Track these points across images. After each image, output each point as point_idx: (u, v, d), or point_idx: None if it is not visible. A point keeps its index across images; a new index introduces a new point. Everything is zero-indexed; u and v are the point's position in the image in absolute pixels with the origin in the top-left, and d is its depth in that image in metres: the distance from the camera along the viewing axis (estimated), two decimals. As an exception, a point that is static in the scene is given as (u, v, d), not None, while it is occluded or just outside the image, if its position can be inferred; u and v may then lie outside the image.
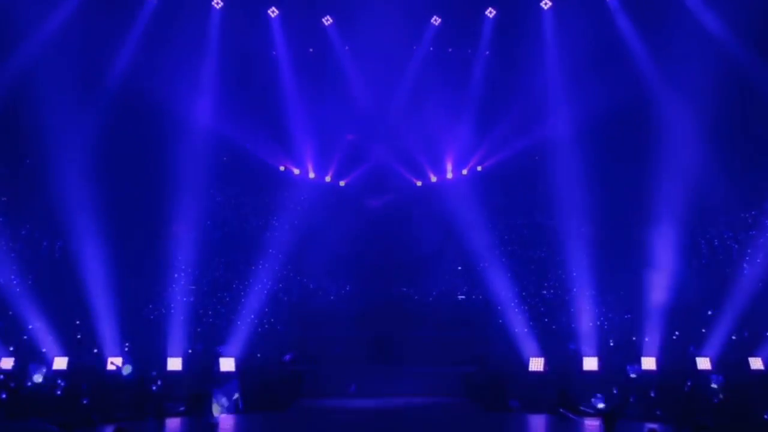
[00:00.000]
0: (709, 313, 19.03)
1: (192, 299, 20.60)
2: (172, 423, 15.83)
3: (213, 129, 21.98)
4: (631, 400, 16.53)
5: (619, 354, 18.72)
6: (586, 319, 19.36)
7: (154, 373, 17.57)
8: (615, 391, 16.79)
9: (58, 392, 16.69)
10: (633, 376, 17.64)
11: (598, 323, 19.69)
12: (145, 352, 18.40)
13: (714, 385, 16.59)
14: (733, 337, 18.42)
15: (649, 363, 17.88)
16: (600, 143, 21.35)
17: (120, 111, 21.09)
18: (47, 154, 19.28)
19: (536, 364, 18.28)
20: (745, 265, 20.21)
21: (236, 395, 16.50)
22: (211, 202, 22.25)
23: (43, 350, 18.08)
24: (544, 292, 21.80)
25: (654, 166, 19.82)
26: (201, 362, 18.45)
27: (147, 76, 21.05)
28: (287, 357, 18.93)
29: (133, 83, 21.29)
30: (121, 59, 21.43)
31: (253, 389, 17.45)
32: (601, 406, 15.91)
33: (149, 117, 21.19)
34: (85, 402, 16.26)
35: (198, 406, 16.02)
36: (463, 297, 22.34)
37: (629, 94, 21.12)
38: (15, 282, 19.06)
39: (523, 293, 21.04)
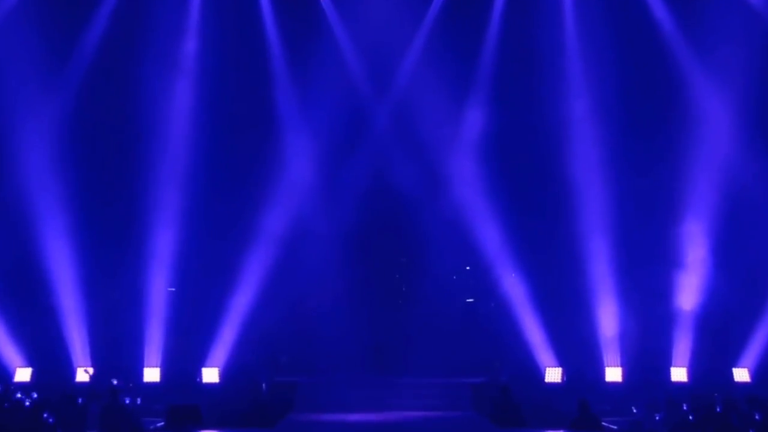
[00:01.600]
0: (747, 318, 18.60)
1: (171, 302, 20.09)
2: (150, 440, 15.32)
3: (195, 113, 21.44)
4: (657, 417, 16.02)
5: (646, 363, 18.32)
6: (609, 324, 18.95)
7: (116, 380, 16.97)
8: (634, 410, 16.34)
9: (27, 404, 16.15)
10: None
11: (623, 329, 19.22)
12: (119, 361, 17.97)
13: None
14: None
15: (679, 374, 17.53)
16: (624, 128, 20.78)
17: (90, 94, 20.52)
18: (6, 140, 18.79)
19: (553, 374, 18.02)
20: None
21: None
22: (193, 194, 21.71)
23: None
24: (562, 293, 21.30)
25: (685, 154, 19.40)
26: (182, 372, 18.16)
27: (121, 54, 20.49)
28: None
29: (104, 62, 20.73)
30: (91, 35, 20.75)
31: (240, 403, 17.02)
32: None
33: (123, 100, 20.64)
34: (51, 421, 15.67)
35: (178, 420, 15.58)
36: (472, 300, 22.00)
37: (657, 72, 20.58)
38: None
39: (539, 295, 20.57)
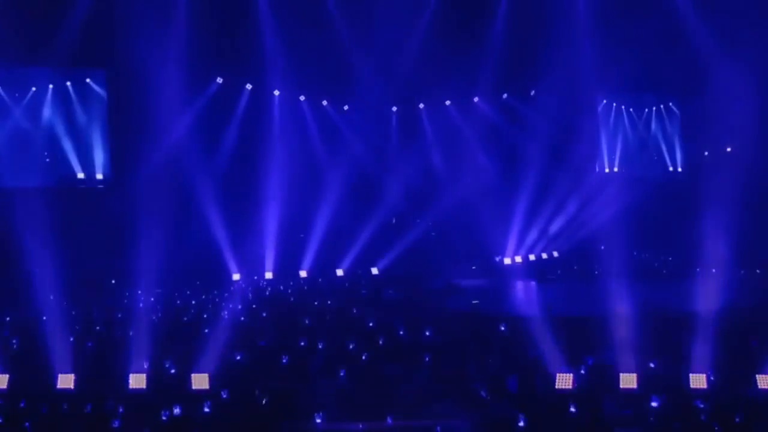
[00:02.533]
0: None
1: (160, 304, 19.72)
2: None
3: (184, 94, 21.28)
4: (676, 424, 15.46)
5: (663, 369, 17.77)
6: (623, 326, 18.38)
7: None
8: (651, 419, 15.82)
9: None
10: None
11: (638, 332, 18.65)
12: (102, 366, 17.46)
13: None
14: None
15: (698, 380, 16.99)
16: (642, 121, 20.46)
17: (77, 76, 20.35)
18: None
19: (564, 380, 17.53)
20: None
21: None
22: (182, 195, 21.57)
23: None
24: (572, 294, 21.00)
25: (705, 146, 19.04)
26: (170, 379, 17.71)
27: (108, 30, 20.36)
28: None
29: (93, 57, 20.60)
30: (74, 19, 20.49)
31: (231, 411, 16.49)
32: None
33: (111, 85, 20.50)
34: (27, 426, 15.17)
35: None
36: (477, 302, 21.51)
37: (679, 59, 20.14)
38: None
39: (546, 296, 20.30)
